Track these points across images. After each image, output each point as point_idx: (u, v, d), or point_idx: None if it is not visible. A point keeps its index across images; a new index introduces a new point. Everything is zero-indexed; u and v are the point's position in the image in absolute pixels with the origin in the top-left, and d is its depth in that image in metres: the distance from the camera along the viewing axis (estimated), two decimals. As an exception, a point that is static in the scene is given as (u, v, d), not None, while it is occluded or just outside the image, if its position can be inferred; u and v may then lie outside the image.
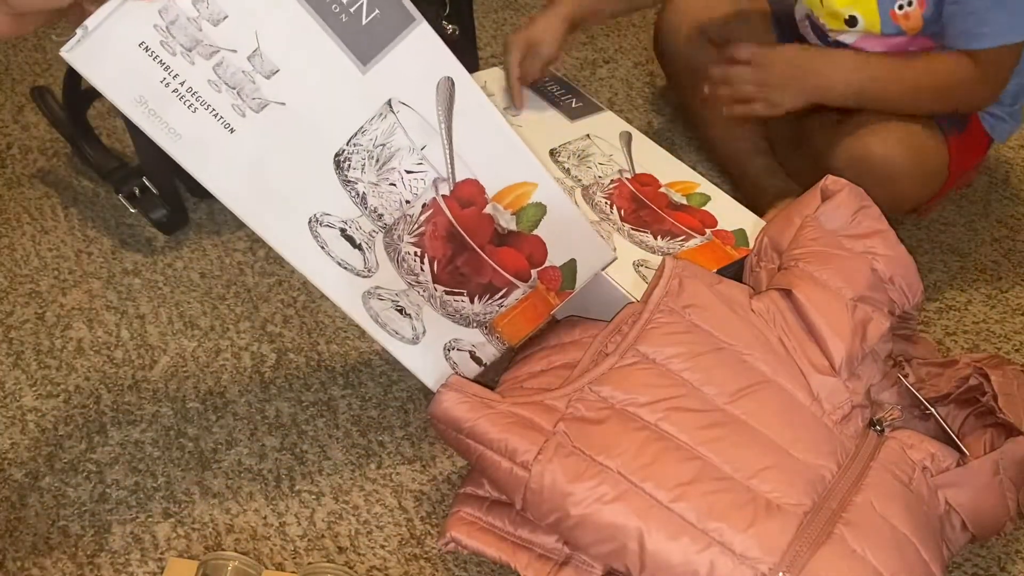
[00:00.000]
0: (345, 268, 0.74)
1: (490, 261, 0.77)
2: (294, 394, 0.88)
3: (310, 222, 0.72)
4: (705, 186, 1.00)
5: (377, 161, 0.71)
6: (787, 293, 0.80)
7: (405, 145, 0.71)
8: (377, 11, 0.66)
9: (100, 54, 0.63)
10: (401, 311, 0.77)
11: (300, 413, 0.87)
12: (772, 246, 0.87)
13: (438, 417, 0.74)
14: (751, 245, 0.92)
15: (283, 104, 0.67)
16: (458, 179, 0.73)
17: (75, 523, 0.76)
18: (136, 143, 1.05)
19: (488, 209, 0.75)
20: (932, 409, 0.80)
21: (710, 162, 1.23)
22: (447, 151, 0.72)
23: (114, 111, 1.22)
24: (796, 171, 1.13)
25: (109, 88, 0.65)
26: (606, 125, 1.06)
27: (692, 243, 0.92)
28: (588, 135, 1.06)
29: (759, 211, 1.04)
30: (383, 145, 0.71)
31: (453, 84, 0.70)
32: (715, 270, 0.86)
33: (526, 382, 0.80)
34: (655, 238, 0.93)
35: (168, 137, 0.67)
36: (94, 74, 0.64)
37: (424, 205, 0.73)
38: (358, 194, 0.72)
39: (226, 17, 0.64)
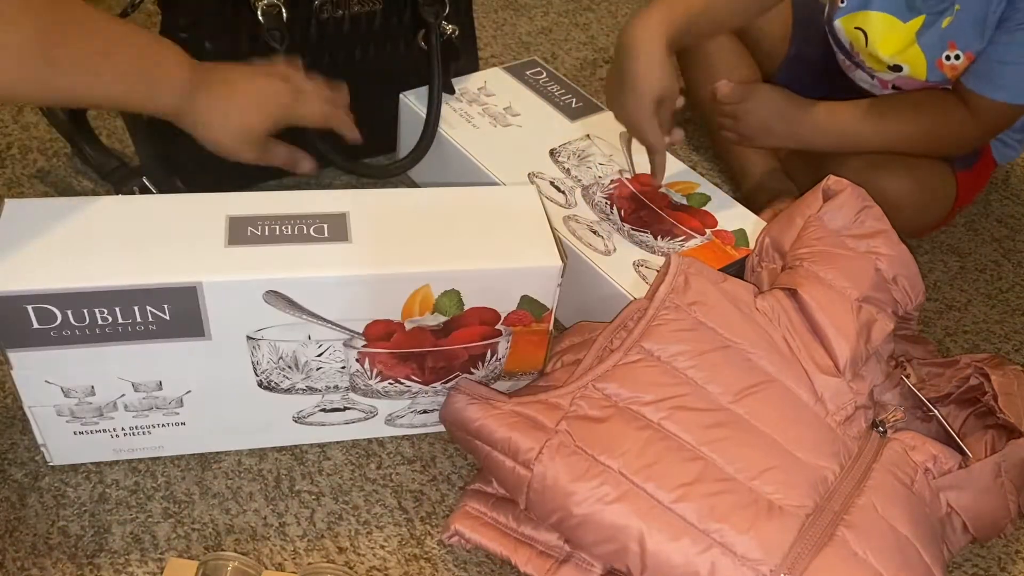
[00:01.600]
0: (352, 423, 0.82)
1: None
2: (294, 394, 0.88)
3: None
4: (705, 186, 1.00)
5: (292, 368, 0.75)
6: (792, 293, 0.80)
7: (295, 346, 0.74)
8: (167, 305, 0.70)
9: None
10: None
11: (300, 413, 0.87)
12: (774, 246, 0.87)
13: (448, 420, 0.76)
14: (751, 245, 0.92)
15: (190, 391, 0.76)
16: (359, 331, 0.75)
17: (75, 523, 0.76)
18: (136, 143, 1.05)
19: (409, 325, 0.75)
20: (936, 412, 0.79)
21: (710, 162, 1.24)
22: (328, 324, 0.73)
23: (113, 111, 1.22)
24: (802, 180, 1.13)
25: (93, 455, 0.80)
26: (606, 125, 1.06)
27: (692, 243, 0.93)
28: (588, 135, 1.06)
29: (759, 211, 1.04)
30: (280, 358, 0.75)
31: (276, 292, 0.71)
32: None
33: (535, 380, 0.81)
34: (655, 238, 0.93)
35: (157, 451, 0.80)
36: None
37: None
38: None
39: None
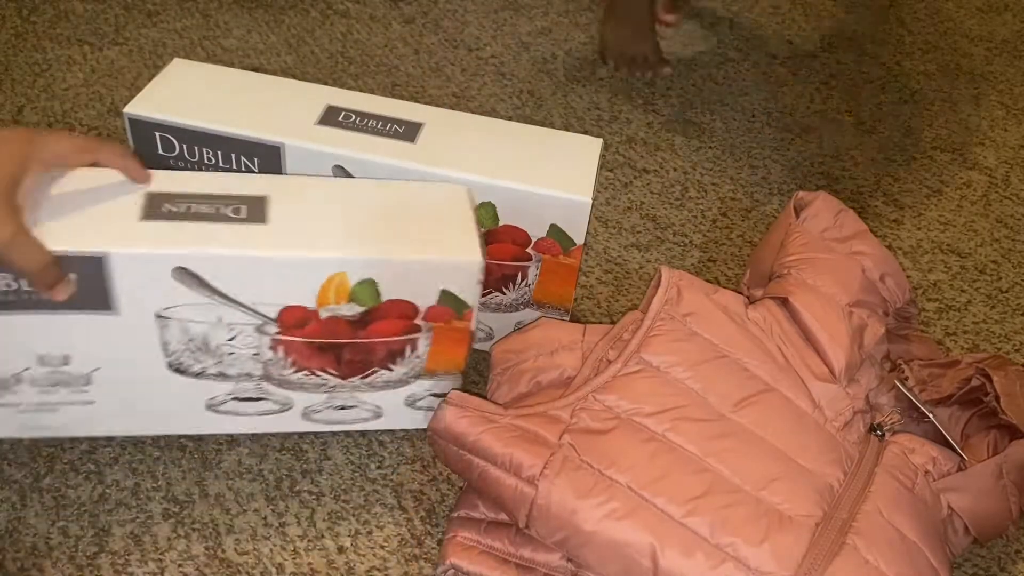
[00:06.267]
0: (267, 414, 0.80)
1: (371, 341, 0.75)
2: (294, 394, 0.88)
3: (208, 408, 0.78)
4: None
5: (202, 351, 0.73)
6: (783, 301, 0.80)
7: (206, 328, 0.72)
8: (75, 275, 0.68)
9: None
10: (343, 406, 0.80)
11: (300, 413, 0.87)
12: (761, 273, 0.87)
13: (439, 433, 0.73)
14: (579, 239, 0.82)
15: (98, 368, 0.73)
16: (272, 316, 0.72)
17: (75, 523, 0.76)
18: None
19: (325, 314, 0.72)
20: (931, 416, 0.79)
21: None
22: (239, 307, 0.71)
23: (113, 111, 1.22)
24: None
25: None
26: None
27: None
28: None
29: None
30: (190, 339, 0.72)
31: (184, 269, 0.69)
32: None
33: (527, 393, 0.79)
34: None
35: (63, 430, 0.78)
36: None
37: (271, 348, 0.74)
38: (217, 374, 0.75)
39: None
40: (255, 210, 0.72)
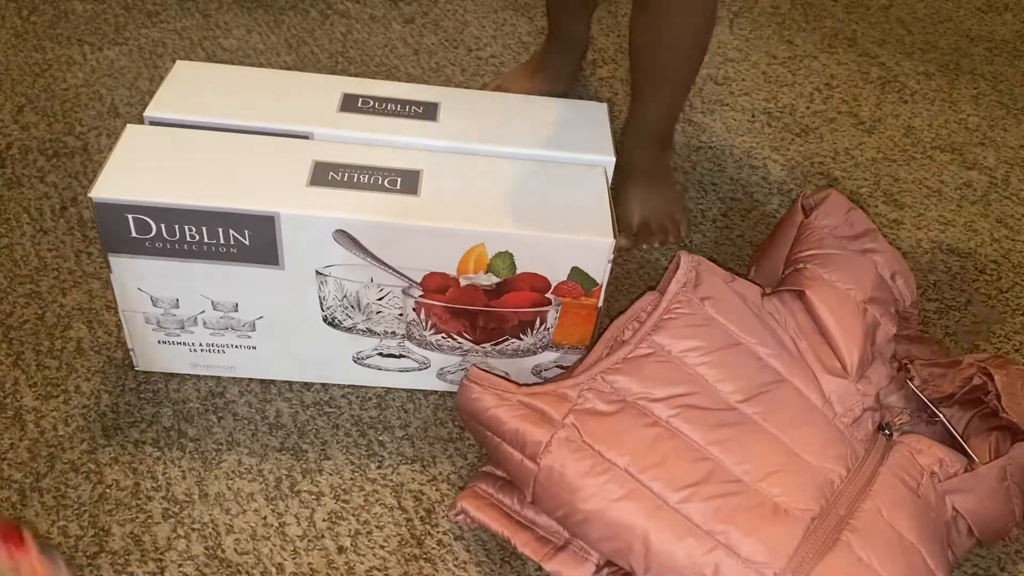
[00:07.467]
0: (407, 371, 0.88)
1: (503, 310, 0.82)
2: (294, 394, 0.88)
3: (355, 361, 0.87)
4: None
5: (354, 307, 0.82)
6: (799, 294, 0.80)
7: (358, 287, 0.80)
8: (248, 231, 0.77)
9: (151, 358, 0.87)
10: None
11: (300, 413, 0.87)
12: (768, 271, 0.87)
13: (460, 409, 0.76)
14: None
15: (261, 317, 0.83)
16: (417, 280, 0.80)
17: (75, 523, 0.76)
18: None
19: (464, 281, 0.79)
20: (943, 417, 0.79)
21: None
22: (389, 270, 0.79)
23: (113, 111, 1.22)
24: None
25: (172, 366, 0.88)
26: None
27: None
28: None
29: None
30: (344, 296, 0.81)
31: (343, 232, 0.77)
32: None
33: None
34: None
35: (228, 371, 0.88)
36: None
37: (415, 309, 0.82)
38: (365, 330, 0.84)
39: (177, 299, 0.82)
40: (408, 182, 0.80)
